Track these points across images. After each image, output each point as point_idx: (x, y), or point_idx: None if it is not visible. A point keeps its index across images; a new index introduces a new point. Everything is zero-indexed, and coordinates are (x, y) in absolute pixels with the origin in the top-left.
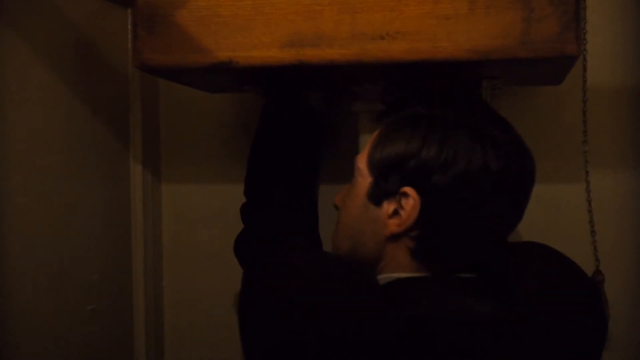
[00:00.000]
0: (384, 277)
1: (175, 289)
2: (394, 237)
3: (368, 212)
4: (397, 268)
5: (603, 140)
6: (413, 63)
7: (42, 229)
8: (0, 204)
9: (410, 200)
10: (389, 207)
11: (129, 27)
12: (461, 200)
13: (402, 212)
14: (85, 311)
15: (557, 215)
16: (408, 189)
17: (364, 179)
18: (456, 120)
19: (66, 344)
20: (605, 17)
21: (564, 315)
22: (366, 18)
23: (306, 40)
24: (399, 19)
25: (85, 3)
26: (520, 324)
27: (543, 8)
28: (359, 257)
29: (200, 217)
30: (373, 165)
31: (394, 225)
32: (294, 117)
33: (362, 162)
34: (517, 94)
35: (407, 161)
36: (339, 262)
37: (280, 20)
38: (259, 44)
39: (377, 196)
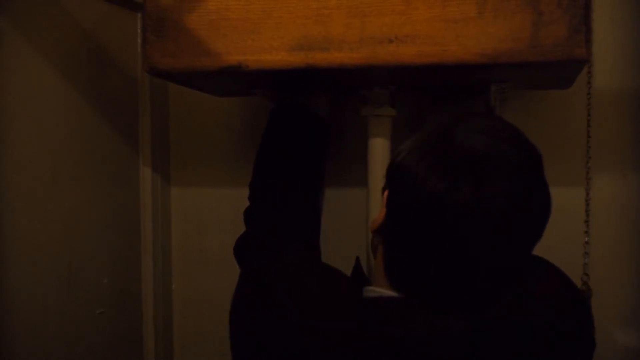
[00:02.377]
0: (371, 290)
1: (184, 292)
2: (377, 238)
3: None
4: (378, 279)
5: (609, 144)
6: (422, 67)
7: (51, 232)
8: (10, 208)
9: (384, 202)
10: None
11: (139, 31)
12: (410, 216)
13: (380, 212)
14: (95, 315)
15: (559, 218)
16: (386, 192)
17: None
18: (455, 134)
19: (76, 348)
20: (610, 22)
21: (538, 327)
22: (375, 22)
23: (315, 43)
24: (408, 23)
25: (95, 8)
26: (492, 338)
27: (552, 12)
28: (372, 252)
29: (209, 220)
30: None
31: (372, 223)
32: (301, 123)
33: None
34: (525, 98)
35: (391, 161)
36: (328, 276)
37: (289, 24)
38: (269, 47)
39: (383, 193)
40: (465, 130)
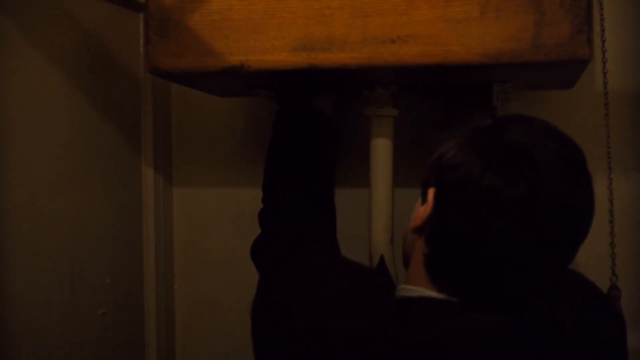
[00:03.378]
0: (408, 289)
1: (186, 292)
2: (417, 235)
3: (417, 206)
4: (416, 278)
5: (623, 144)
6: (424, 67)
7: (54, 233)
8: (13, 208)
9: (429, 199)
10: (422, 204)
11: (141, 31)
12: (463, 212)
13: (421, 209)
14: (97, 315)
15: None
16: (430, 189)
17: None
18: (506, 132)
19: (78, 348)
20: (619, 22)
21: (580, 331)
22: (377, 22)
23: (318, 44)
24: (410, 23)
25: (97, 8)
26: (537, 338)
27: (554, 12)
28: (403, 251)
29: (211, 220)
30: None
31: (413, 220)
32: (306, 122)
33: None
34: (527, 98)
35: (436, 161)
36: (354, 273)
37: (291, 24)
38: (271, 47)
39: (422, 193)
40: (515, 128)
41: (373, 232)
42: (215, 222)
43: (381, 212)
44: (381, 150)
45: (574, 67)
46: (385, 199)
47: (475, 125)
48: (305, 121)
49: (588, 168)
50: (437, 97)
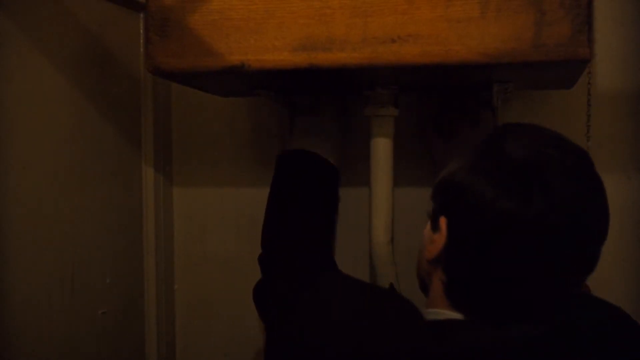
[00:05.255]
0: (431, 312)
1: (186, 292)
2: (434, 265)
3: (427, 236)
4: (438, 302)
5: (612, 145)
6: (424, 66)
7: (54, 232)
8: (12, 209)
9: (441, 228)
10: (433, 232)
11: (141, 31)
12: (480, 239)
13: (436, 239)
14: (97, 315)
15: None
16: (442, 218)
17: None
18: (507, 148)
19: (78, 348)
20: (611, 21)
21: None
22: (378, 21)
23: (318, 43)
24: (410, 23)
25: (97, 8)
26: (563, 348)
27: (555, 11)
28: (419, 278)
29: (211, 220)
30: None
31: (428, 252)
32: (311, 169)
33: None
34: (528, 98)
35: (444, 184)
36: (377, 296)
37: (292, 24)
38: (271, 47)
39: (432, 221)
40: (515, 142)
41: (373, 232)
42: (215, 222)
43: (381, 211)
44: (382, 149)
45: (574, 67)
46: (386, 198)
47: (477, 143)
48: (310, 168)
49: (596, 170)
50: (438, 97)
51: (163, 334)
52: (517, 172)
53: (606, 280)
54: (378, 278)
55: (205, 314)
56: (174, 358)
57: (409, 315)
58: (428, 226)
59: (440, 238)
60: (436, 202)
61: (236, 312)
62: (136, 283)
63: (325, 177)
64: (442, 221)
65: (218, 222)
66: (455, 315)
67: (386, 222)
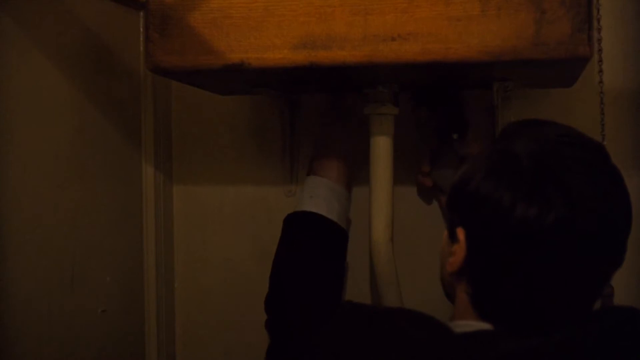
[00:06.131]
0: (459, 324)
1: (186, 290)
2: (457, 277)
3: (446, 246)
4: (465, 314)
5: (617, 143)
6: (424, 64)
7: (53, 230)
8: (12, 206)
9: (460, 240)
10: (452, 244)
11: (141, 29)
12: (502, 249)
13: (455, 251)
14: (97, 313)
15: None
16: (459, 230)
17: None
18: (519, 151)
19: (77, 346)
20: (618, 19)
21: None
22: (378, 19)
23: (318, 42)
24: (410, 21)
25: (98, 6)
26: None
27: (555, 10)
28: (444, 289)
29: (212, 218)
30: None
31: (449, 265)
32: (318, 233)
33: None
34: (527, 96)
35: (458, 193)
36: (400, 317)
37: (292, 22)
38: (271, 45)
39: (450, 231)
40: (525, 142)
41: (373, 231)
42: (215, 220)
43: (381, 210)
44: (382, 148)
45: (575, 65)
46: (386, 197)
47: (486, 147)
48: (320, 232)
49: (612, 163)
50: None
51: (163, 331)
52: (531, 174)
53: (615, 279)
54: (378, 277)
55: (205, 312)
56: (174, 356)
57: (437, 333)
58: (445, 236)
59: (460, 250)
60: (451, 213)
61: (236, 310)
62: (136, 281)
63: (335, 241)
64: (460, 232)
65: (218, 220)
66: (485, 326)
67: (386, 221)
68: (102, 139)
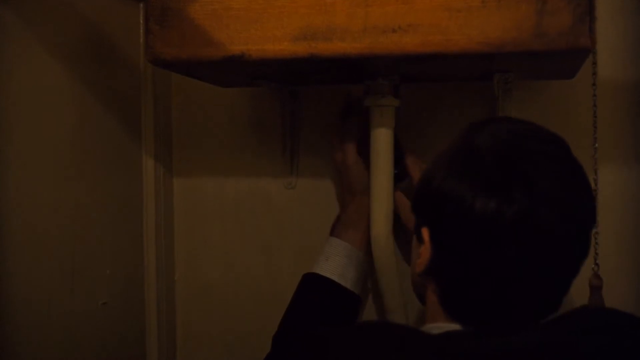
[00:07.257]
0: (431, 327)
1: (187, 283)
2: (425, 278)
3: (414, 249)
4: (435, 316)
5: (614, 135)
6: (425, 56)
7: (54, 223)
8: (12, 199)
9: (425, 240)
10: (419, 245)
11: (141, 21)
12: (464, 245)
13: (422, 252)
14: (98, 306)
15: None
16: (424, 229)
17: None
18: (479, 145)
19: (78, 339)
20: (614, 11)
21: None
22: (378, 11)
23: (319, 33)
24: (411, 12)
25: None
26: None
27: (556, 1)
28: (415, 293)
29: (212, 211)
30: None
31: (417, 266)
32: (330, 299)
33: None
34: (528, 88)
35: (421, 192)
36: (376, 330)
37: (292, 14)
38: (272, 37)
39: (416, 233)
40: (486, 136)
41: (373, 223)
42: (216, 212)
43: (382, 203)
44: (382, 140)
45: (576, 57)
46: (386, 189)
47: (450, 145)
48: (328, 297)
49: (574, 155)
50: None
51: (163, 324)
52: (492, 167)
53: (607, 271)
54: (379, 270)
55: (205, 304)
56: (175, 348)
57: (409, 339)
58: (415, 239)
59: (426, 250)
60: (416, 214)
61: (237, 303)
62: (137, 274)
63: (344, 306)
64: (425, 232)
65: (218, 213)
66: (453, 327)
67: (386, 213)
68: (102, 132)
